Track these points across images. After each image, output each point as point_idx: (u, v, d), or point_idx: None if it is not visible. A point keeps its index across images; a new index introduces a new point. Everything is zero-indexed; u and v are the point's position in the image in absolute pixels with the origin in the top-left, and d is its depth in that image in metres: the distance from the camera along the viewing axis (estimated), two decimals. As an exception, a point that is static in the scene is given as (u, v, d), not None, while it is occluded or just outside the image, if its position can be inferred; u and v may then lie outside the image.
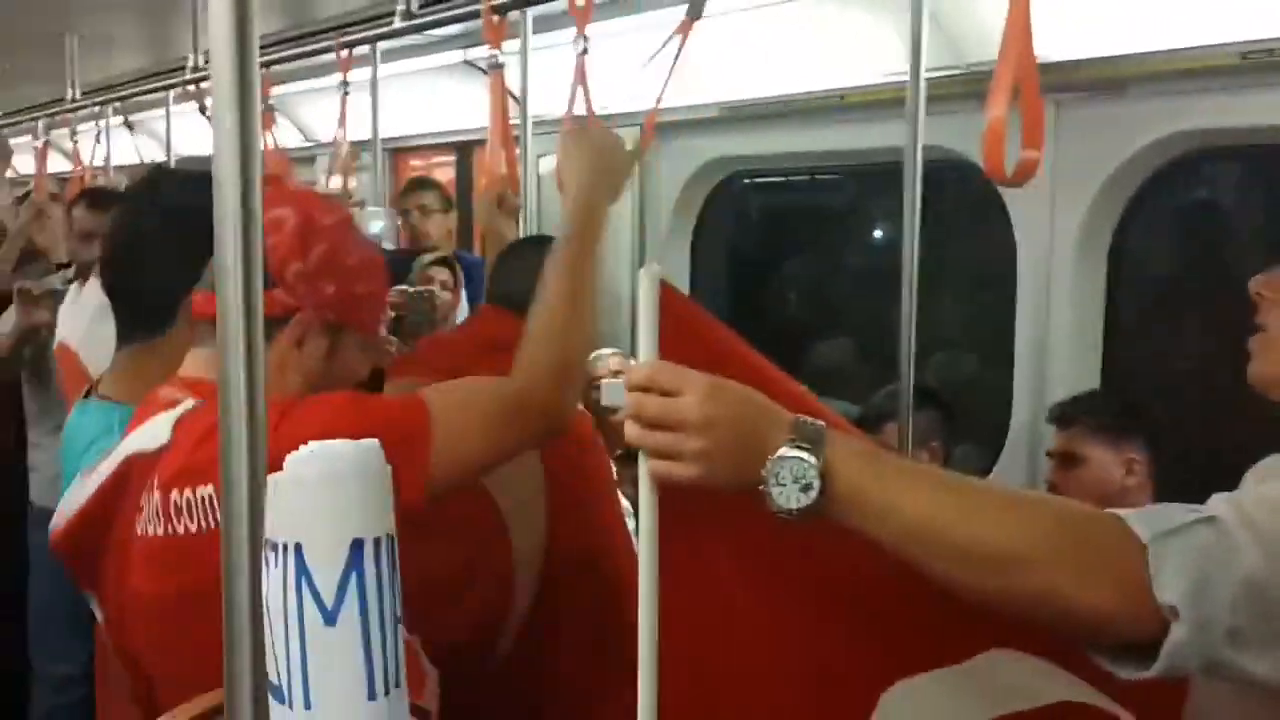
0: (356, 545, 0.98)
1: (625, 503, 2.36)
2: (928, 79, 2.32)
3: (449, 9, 3.02)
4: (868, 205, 4.04)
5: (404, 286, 3.25)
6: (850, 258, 4.20)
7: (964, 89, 2.63)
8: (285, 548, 0.98)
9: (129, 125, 5.50)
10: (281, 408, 1.45)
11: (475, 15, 2.76)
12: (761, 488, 1.15)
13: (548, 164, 3.62)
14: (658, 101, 2.22)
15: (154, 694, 1.59)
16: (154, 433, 1.57)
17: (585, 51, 2.54)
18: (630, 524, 2.19)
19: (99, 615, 1.71)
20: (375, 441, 1.02)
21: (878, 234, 3.98)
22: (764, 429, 1.16)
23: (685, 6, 2.35)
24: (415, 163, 5.52)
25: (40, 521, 3.58)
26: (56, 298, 3.25)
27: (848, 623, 1.39)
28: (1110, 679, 1.18)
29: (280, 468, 1.37)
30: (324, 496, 0.99)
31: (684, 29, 2.24)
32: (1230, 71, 2.39)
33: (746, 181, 4.18)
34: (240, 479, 0.98)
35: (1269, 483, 1.19)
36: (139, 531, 1.55)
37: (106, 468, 1.62)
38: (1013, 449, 2.96)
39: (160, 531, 1.50)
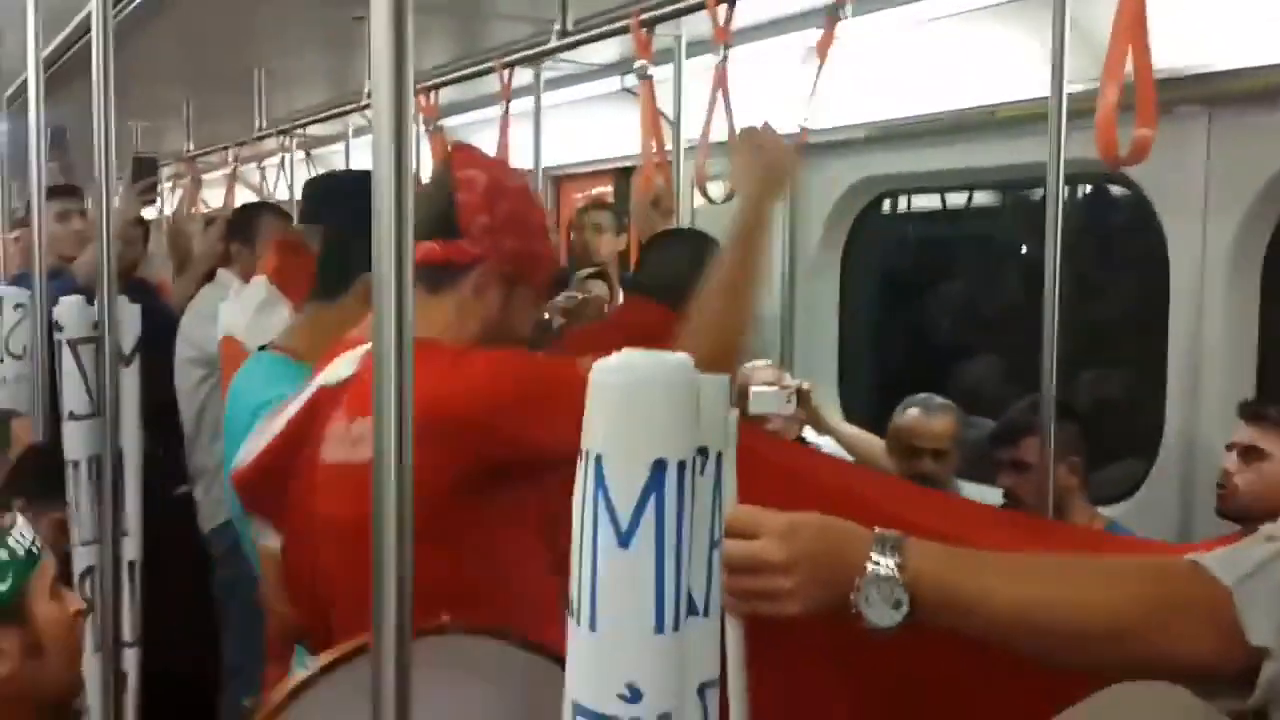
0: (658, 466, 0.91)
1: None
2: (1072, 93, 2.35)
3: (602, 24, 3.16)
4: (1018, 227, 4.02)
5: (572, 293, 3.39)
6: (1001, 279, 4.18)
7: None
8: (588, 456, 0.93)
9: (308, 155, 5.83)
10: (457, 352, 1.61)
11: (625, 30, 2.89)
12: (854, 610, 1.17)
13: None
14: (811, 105, 2.30)
15: (331, 619, 1.72)
16: (340, 369, 1.72)
17: (725, 60, 2.66)
18: None
19: (276, 544, 1.86)
20: (686, 357, 0.97)
21: (1027, 254, 3.96)
22: (846, 554, 1.19)
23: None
24: (576, 190, 5.70)
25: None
26: None
27: (954, 696, 1.44)
28: None
29: (454, 408, 1.48)
30: (626, 408, 0.92)
31: (826, 35, 2.30)
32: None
33: (897, 205, 4.22)
34: (390, 421, 1.06)
35: None
36: (324, 458, 1.69)
37: (296, 404, 1.77)
38: (1164, 463, 2.92)
39: (343, 458, 1.64)
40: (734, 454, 1.14)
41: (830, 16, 2.27)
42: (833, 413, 3.87)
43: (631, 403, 0.92)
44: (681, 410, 0.93)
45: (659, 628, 0.91)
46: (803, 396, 3.40)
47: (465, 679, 1.19)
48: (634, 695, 0.89)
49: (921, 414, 3.27)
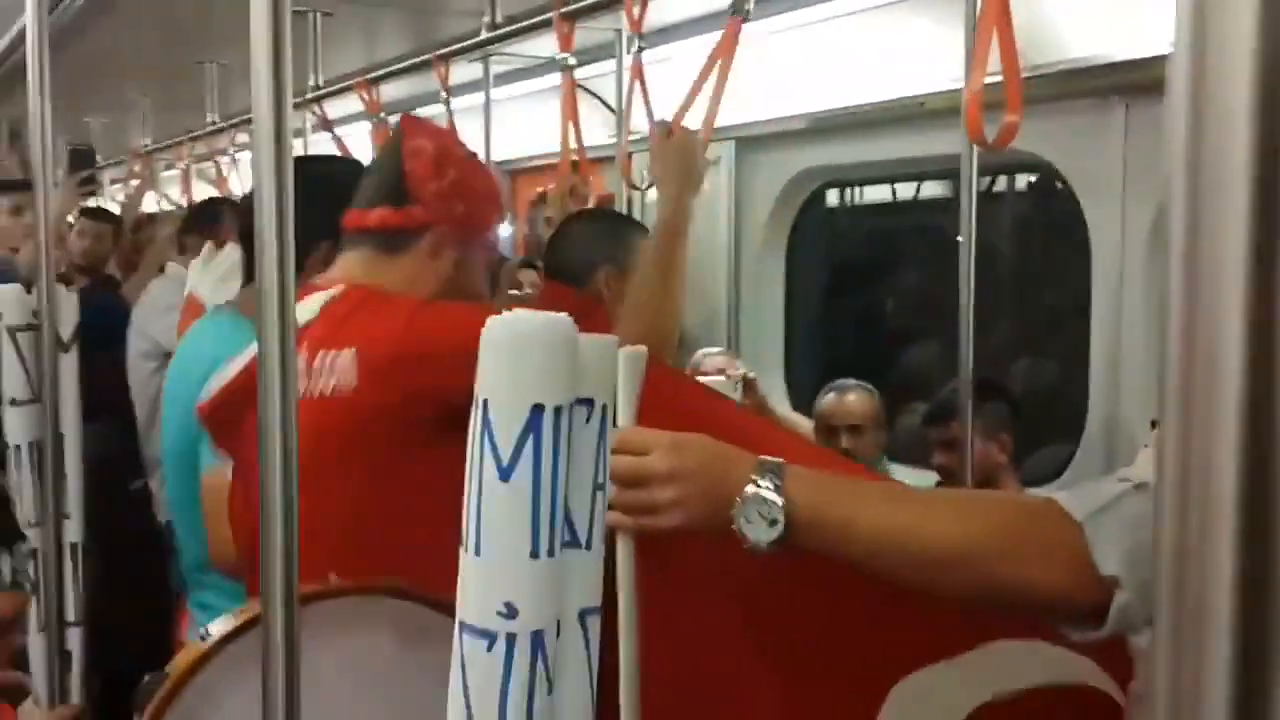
0: (536, 409, 1.01)
1: None
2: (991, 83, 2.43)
3: (529, 20, 3.23)
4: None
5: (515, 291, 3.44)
6: (942, 268, 4.26)
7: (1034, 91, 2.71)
8: (478, 401, 1.02)
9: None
10: (421, 301, 1.72)
11: (549, 24, 2.96)
12: (734, 527, 1.24)
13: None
14: (715, 103, 2.37)
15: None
16: (304, 311, 1.78)
17: (640, 50, 2.74)
18: None
19: (228, 477, 1.92)
20: (567, 316, 1.06)
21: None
22: (729, 472, 1.26)
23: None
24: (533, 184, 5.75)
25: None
26: None
27: (843, 632, 1.47)
28: (1104, 652, 1.30)
29: (422, 346, 1.61)
30: (509, 359, 1.02)
31: (731, 31, 2.37)
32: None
33: (845, 196, 4.30)
34: (274, 402, 1.13)
35: None
36: None
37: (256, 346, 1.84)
38: (1088, 446, 3.01)
39: (301, 389, 1.70)
40: (636, 395, 1.25)
41: (735, 15, 2.36)
42: (779, 401, 3.94)
43: (515, 353, 1.02)
44: (559, 361, 1.04)
45: (535, 553, 1.00)
46: (749, 385, 3.47)
47: (360, 638, 1.23)
48: (511, 612, 0.99)
49: (836, 395, 3.39)
